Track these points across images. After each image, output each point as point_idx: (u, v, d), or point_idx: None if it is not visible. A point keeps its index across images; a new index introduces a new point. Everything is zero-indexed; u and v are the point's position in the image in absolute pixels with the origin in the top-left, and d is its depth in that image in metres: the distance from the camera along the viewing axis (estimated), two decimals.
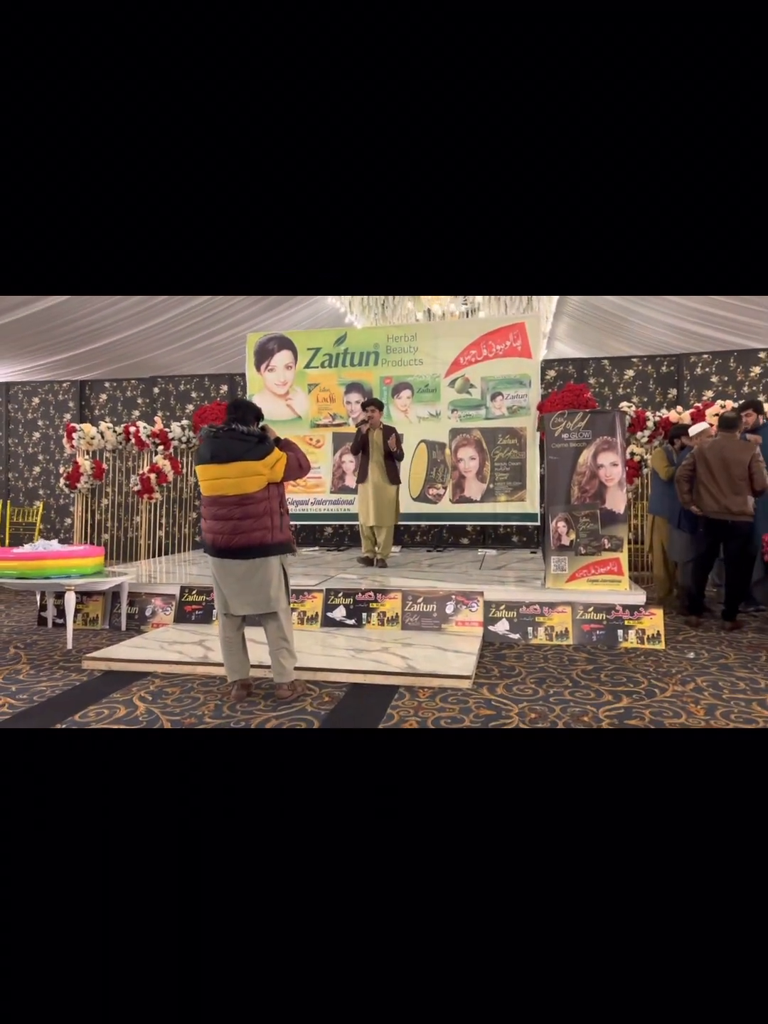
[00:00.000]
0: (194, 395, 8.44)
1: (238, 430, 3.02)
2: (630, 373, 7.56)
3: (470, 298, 8.78)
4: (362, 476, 5.62)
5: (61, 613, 4.70)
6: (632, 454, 6.21)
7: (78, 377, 8.97)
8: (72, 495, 7.78)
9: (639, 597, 4.32)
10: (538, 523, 6.59)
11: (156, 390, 8.56)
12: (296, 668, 3.27)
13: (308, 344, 7.26)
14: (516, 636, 4.29)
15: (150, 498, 7.23)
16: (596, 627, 4.23)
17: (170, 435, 7.31)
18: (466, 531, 7.49)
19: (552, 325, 9.63)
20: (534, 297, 8.47)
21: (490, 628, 4.33)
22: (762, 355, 7.21)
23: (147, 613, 4.80)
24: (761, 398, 6.85)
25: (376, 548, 5.69)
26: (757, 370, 7.21)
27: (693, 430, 5.05)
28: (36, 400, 8.99)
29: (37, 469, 8.94)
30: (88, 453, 7.32)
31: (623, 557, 4.47)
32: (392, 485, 5.58)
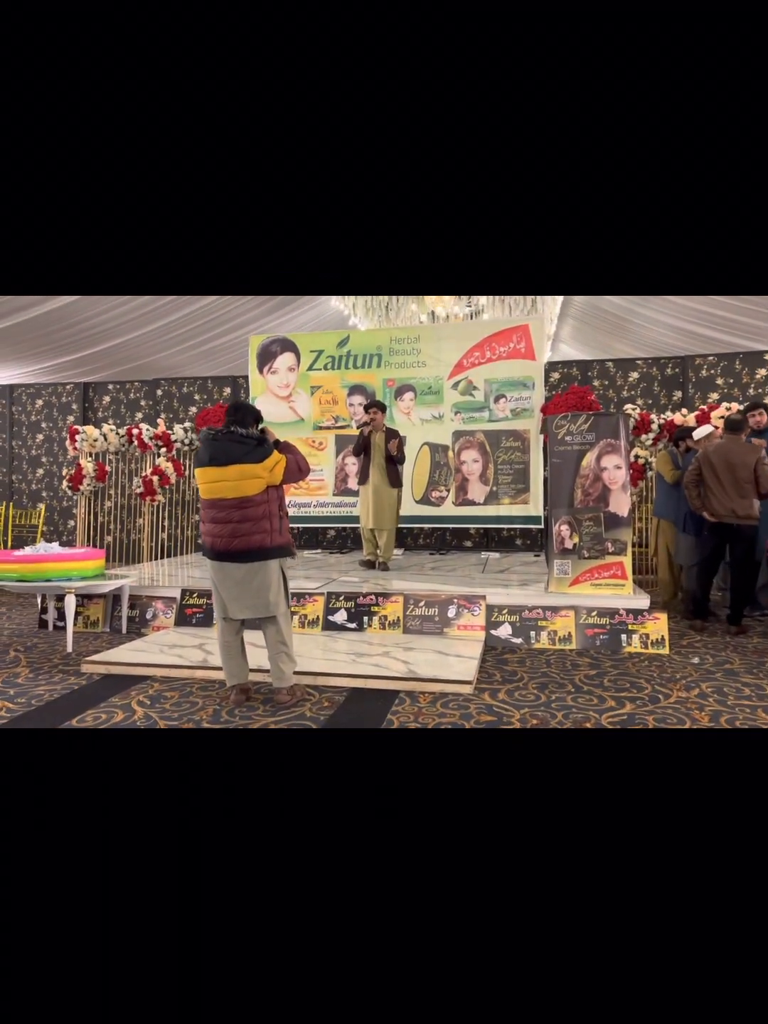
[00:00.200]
0: (197, 397, 8.43)
1: (237, 433, 3.00)
2: (635, 375, 7.51)
3: (474, 301, 8.75)
4: (363, 478, 5.60)
5: (62, 616, 4.68)
6: (636, 457, 6.17)
7: (82, 379, 8.98)
8: (75, 497, 7.78)
9: (643, 601, 4.28)
10: (541, 526, 6.56)
11: (159, 392, 8.56)
12: (296, 672, 3.25)
13: (311, 346, 7.24)
14: (518, 640, 4.26)
15: (152, 500, 7.22)
16: (599, 631, 4.19)
17: (173, 437, 7.30)
18: (469, 534, 7.45)
19: (556, 327, 9.59)
20: (538, 299, 8.44)
21: (492, 632, 4.29)
22: None
23: (148, 616, 4.78)
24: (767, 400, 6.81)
25: (377, 551, 5.67)
26: (763, 372, 7.16)
27: (697, 434, 5.01)
28: (40, 402, 9.00)
29: (40, 471, 8.95)
30: (91, 455, 7.32)
31: (627, 561, 4.43)
32: (393, 488, 5.56)
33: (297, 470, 3.09)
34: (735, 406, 5.91)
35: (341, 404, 7.14)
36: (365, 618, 4.39)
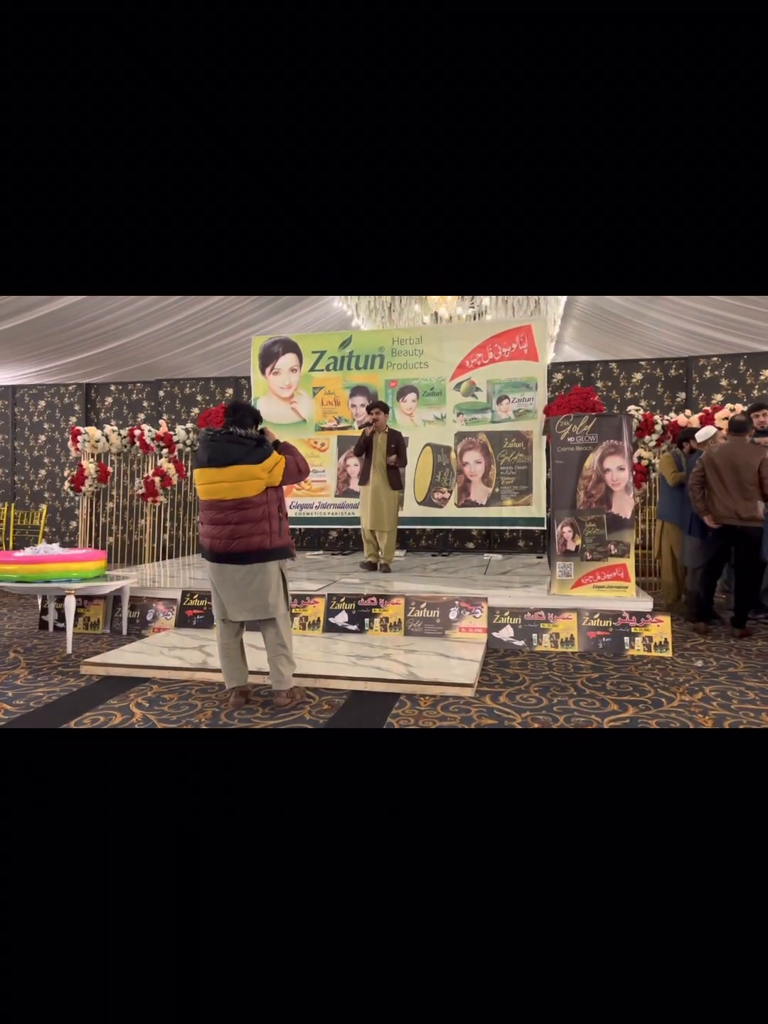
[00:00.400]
0: (199, 398, 8.43)
1: (236, 433, 2.98)
2: (638, 376, 7.48)
3: (477, 302, 8.73)
4: (364, 479, 5.58)
5: (62, 617, 4.67)
6: (640, 458, 6.13)
7: (84, 380, 8.98)
8: (77, 498, 7.78)
9: (646, 604, 4.24)
10: (544, 528, 6.52)
11: (161, 393, 8.55)
12: (295, 675, 3.22)
13: (313, 347, 7.23)
14: (520, 643, 4.23)
15: (154, 501, 7.21)
16: (602, 634, 4.16)
17: (175, 438, 7.30)
18: (471, 535, 7.42)
19: (560, 328, 9.55)
20: (542, 301, 8.41)
21: (494, 634, 4.26)
22: None
23: (149, 617, 4.76)
24: None
25: (378, 553, 5.64)
26: (767, 373, 7.12)
27: (700, 435, 4.97)
28: (42, 403, 9.00)
29: (43, 472, 8.95)
30: (93, 456, 7.32)
31: (630, 563, 4.39)
32: (394, 490, 5.53)
33: (297, 471, 3.06)
34: (739, 407, 5.87)
35: (343, 405, 7.12)
36: (366, 620, 4.37)
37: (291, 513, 7.01)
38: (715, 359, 7.30)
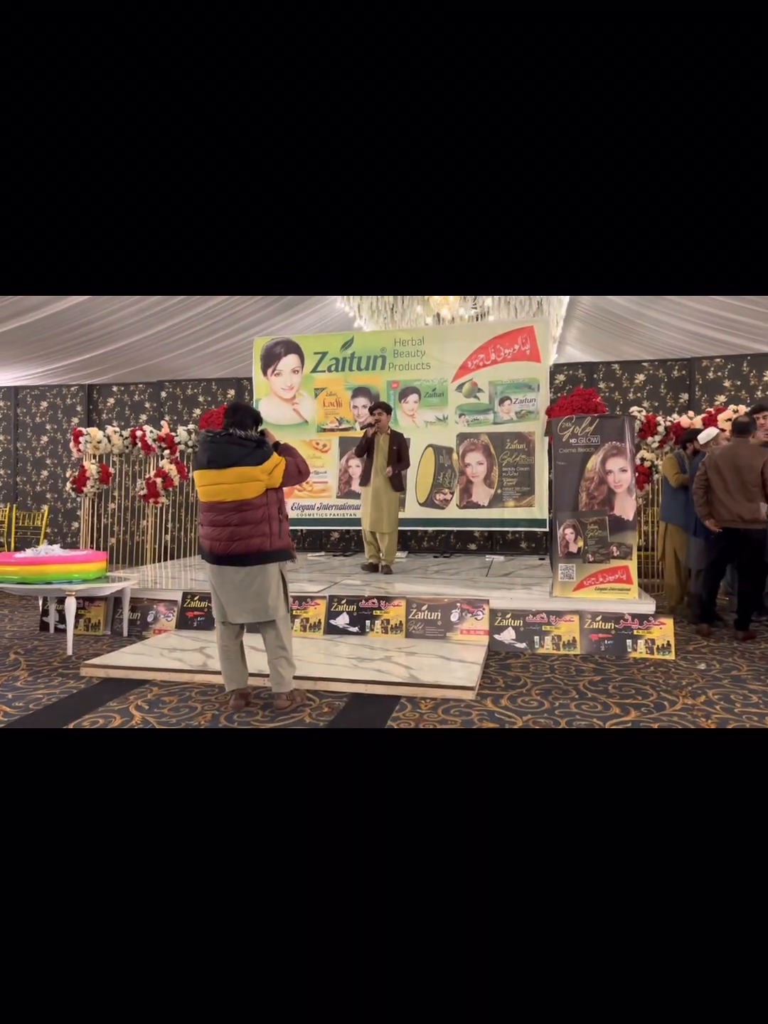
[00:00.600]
0: (201, 399, 8.42)
1: (236, 435, 2.97)
2: (641, 377, 7.46)
3: (480, 303, 8.72)
4: (365, 480, 5.56)
5: (63, 619, 4.66)
6: (643, 460, 6.11)
7: (86, 381, 8.98)
8: (79, 499, 7.78)
9: (649, 606, 4.22)
10: (546, 529, 6.50)
11: (163, 394, 8.55)
12: (296, 677, 3.21)
13: (315, 348, 7.22)
14: (522, 645, 4.21)
15: (156, 502, 7.21)
16: (604, 637, 4.14)
17: (176, 439, 7.29)
18: (473, 537, 7.40)
19: (562, 329, 9.53)
20: (544, 302, 8.40)
21: (496, 637, 4.24)
22: None
23: (150, 619, 4.75)
24: None
25: (379, 554, 5.63)
26: None
27: (702, 437, 4.95)
28: (44, 404, 9.01)
29: (45, 473, 8.95)
30: (95, 457, 7.31)
31: (632, 565, 4.37)
32: (395, 492, 5.52)
33: (297, 473, 3.05)
34: (742, 408, 5.85)
35: (345, 406, 7.10)
36: (367, 622, 4.35)
37: (292, 514, 7.00)
38: (718, 360, 7.27)
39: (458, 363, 6.79)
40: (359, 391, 7.06)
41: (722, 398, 7.16)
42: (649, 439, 6.18)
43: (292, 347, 7.27)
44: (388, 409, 5.63)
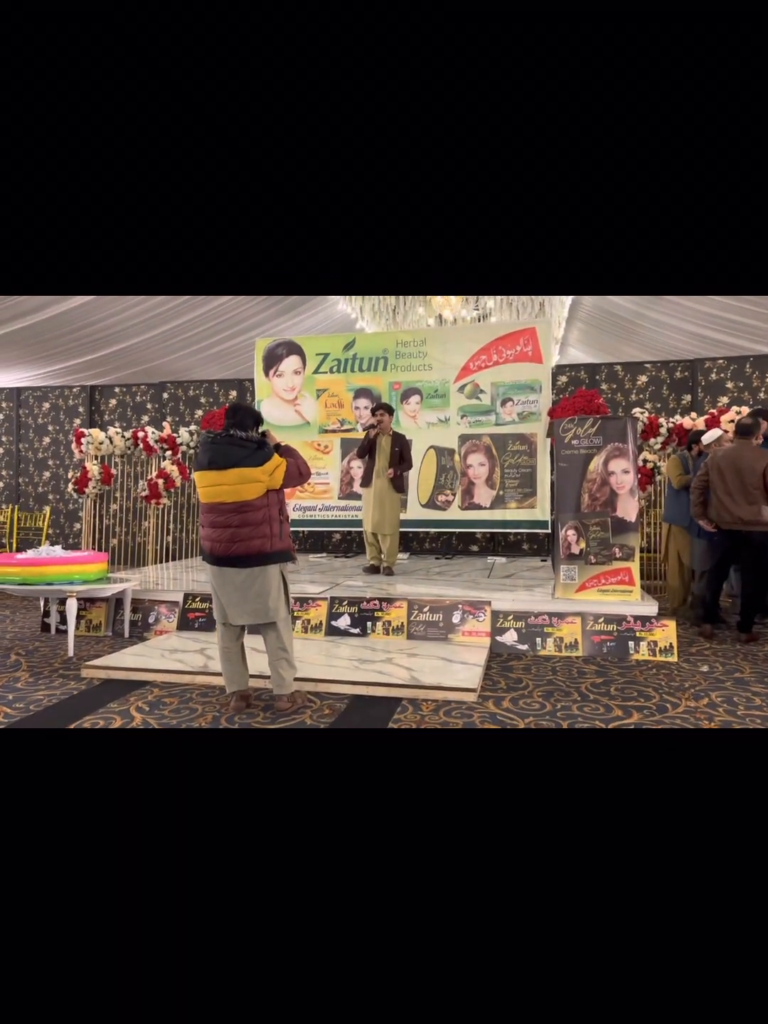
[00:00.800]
0: (203, 400, 8.43)
1: (237, 436, 2.96)
2: (643, 379, 7.45)
3: (482, 304, 8.72)
4: (366, 481, 5.55)
5: (64, 620, 4.66)
6: (645, 461, 6.10)
7: (89, 382, 8.99)
8: (80, 500, 7.78)
9: (651, 608, 4.20)
10: (548, 531, 6.49)
11: (165, 395, 8.56)
12: (296, 679, 3.20)
13: (317, 349, 7.22)
14: (524, 647, 4.20)
15: (158, 503, 7.21)
16: (607, 638, 4.13)
17: (178, 440, 7.30)
18: (475, 538, 7.39)
19: (564, 331, 9.53)
20: (546, 303, 8.40)
21: (498, 638, 4.23)
22: None
23: (151, 620, 4.75)
24: None
25: (381, 555, 5.62)
26: None
27: (705, 438, 4.94)
28: (46, 405, 9.02)
29: (47, 474, 8.96)
30: (97, 458, 7.32)
31: (635, 566, 4.36)
32: (397, 493, 5.51)
33: (298, 474, 3.04)
34: (745, 410, 5.83)
35: (346, 407, 7.10)
36: (368, 623, 4.34)
37: (294, 515, 6.99)
38: (721, 361, 7.26)
39: (460, 364, 6.78)
40: (361, 392, 7.06)
41: (725, 400, 7.15)
42: (652, 441, 6.17)
43: (294, 348, 7.27)
44: (390, 410, 5.62)
